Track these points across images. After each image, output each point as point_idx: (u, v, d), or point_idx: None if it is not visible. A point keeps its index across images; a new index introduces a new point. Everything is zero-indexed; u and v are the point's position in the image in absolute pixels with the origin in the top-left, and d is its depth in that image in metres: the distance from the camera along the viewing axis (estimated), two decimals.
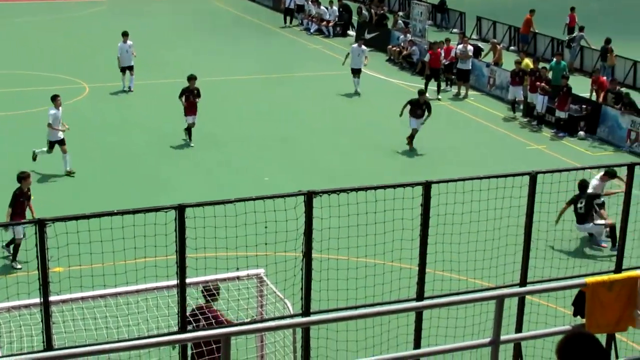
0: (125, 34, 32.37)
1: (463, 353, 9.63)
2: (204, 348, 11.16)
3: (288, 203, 10.84)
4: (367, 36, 42.09)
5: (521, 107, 31.18)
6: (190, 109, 26.29)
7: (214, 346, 10.95)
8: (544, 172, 11.77)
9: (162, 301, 11.77)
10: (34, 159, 23.28)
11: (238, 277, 12.34)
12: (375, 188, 10.96)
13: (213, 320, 11.65)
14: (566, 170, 12.69)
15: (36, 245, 9.61)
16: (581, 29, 38.73)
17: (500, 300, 8.04)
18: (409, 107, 26.62)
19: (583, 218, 19.67)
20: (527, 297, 12.58)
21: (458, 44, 34.70)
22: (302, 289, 10.80)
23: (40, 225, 9.54)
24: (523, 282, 11.86)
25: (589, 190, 20.14)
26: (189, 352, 11.24)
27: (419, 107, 26.50)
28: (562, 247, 19.22)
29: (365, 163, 25.25)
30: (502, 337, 8.08)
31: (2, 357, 11.29)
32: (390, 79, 36.35)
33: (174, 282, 10.34)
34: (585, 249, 19.96)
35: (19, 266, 18.07)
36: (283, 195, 10.59)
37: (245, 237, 11.29)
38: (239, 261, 11.84)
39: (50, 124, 23.33)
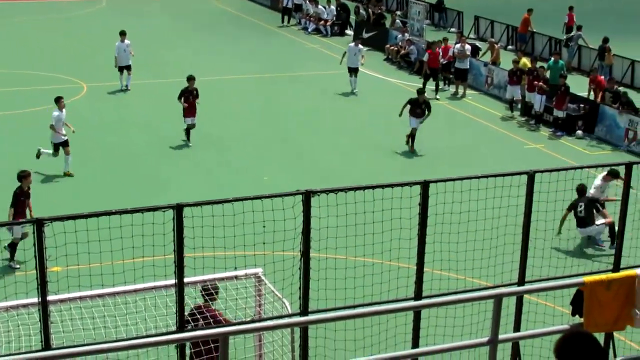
0: (122, 33, 32.35)
1: (461, 352, 9.64)
2: (203, 347, 11.16)
3: (286, 202, 10.85)
4: (365, 35, 42.11)
5: (519, 106, 31.19)
6: (190, 110, 26.25)
7: (213, 345, 10.95)
8: (542, 172, 11.77)
9: (160, 301, 11.77)
10: (38, 156, 23.21)
11: (236, 277, 12.34)
12: (373, 187, 10.97)
13: (211, 320, 11.65)
14: (564, 170, 12.70)
15: (34, 244, 9.61)
16: (579, 28, 38.74)
17: (498, 299, 8.04)
18: (408, 106, 26.60)
19: (584, 221, 19.64)
20: (525, 296, 12.59)
21: (456, 43, 34.71)
22: (300, 288, 10.81)
23: (39, 224, 9.55)
24: (521, 281, 11.87)
25: (591, 190, 20.17)
26: (188, 351, 11.25)
27: (418, 107, 26.47)
28: (560, 246, 19.23)
29: (364, 162, 25.25)
30: (500, 336, 8.09)
31: (1, 356, 11.29)
32: (388, 78, 36.35)
33: (172, 281, 10.34)
34: (583, 248, 19.97)
35: (17, 265, 18.06)
36: (281, 195, 10.60)
37: (244, 237, 11.29)
38: (237, 260, 11.83)
39: (53, 126, 23.27)
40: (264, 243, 11.40)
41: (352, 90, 33.20)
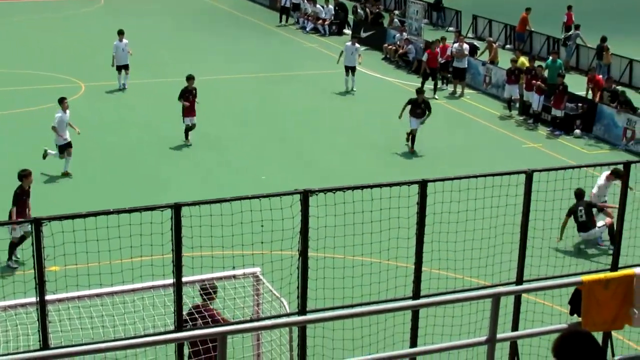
0: (120, 33, 32.34)
1: (459, 351, 9.63)
2: (201, 347, 11.16)
3: (284, 202, 10.85)
4: (363, 35, 42.11)
5: (517, 105, 31.21)
6: (190, 110, 26.21)
7: (211, 345, 10.94)
8: (540, 171, 11.77)
9: (158, 300, 11.77)
10: (44, 157, 23.18)
11: (234, 276, 12.34)
12: (371, 187, 10.97)
13: (210, 319, 11.65)
14: (562, 169, 12.69)
15: (32, 244, 9.61)
16: (577, 27, 38.76)
17: (496, 298, 8.05)
18: (408, 107, 26.52)
19: (585, 226, 19.61)
20: (523, 295, 12.59)
21: (454, 43, 34.70)
22: (298, 287, 10.81)
23: (37, 224, 9.54)
24: (519, 280, 11.87)
25: (594, 189, 20.19)
26: (186, 351, 11.25)
27: (417, 107, 26.40)
28: (558, 246, 19.24)
29: (362, 161, 25.25)
30: (499, 336, 8.09)
31: None
32: (386, 77, 36.35)
33: (170, 281, 10.34)
34: (581, 247, 19.98)
35: (15, 265, 18.05)
36: (279, 194, 10.60)
37: (242, 236, 11.29)
38: (235, 260, 11.83)
39: (55, 127, 23.20)
40: (262, 242, 11.40)
41: (347, 89, 33.22)
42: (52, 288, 10.35)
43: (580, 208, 19.46)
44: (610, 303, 9.34)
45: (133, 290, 11.81)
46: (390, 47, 39.54)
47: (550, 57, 32.76)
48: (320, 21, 45.57)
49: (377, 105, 31.38)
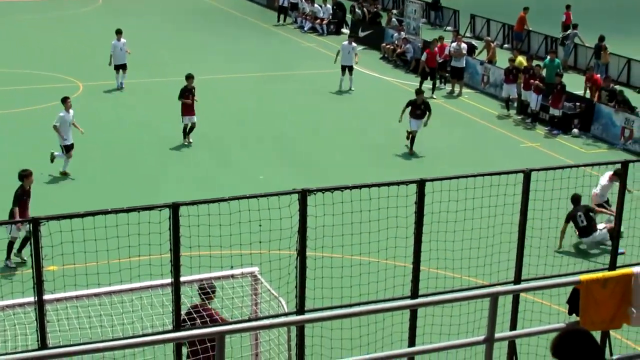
0: (119, 32, 32.31)
1: (457, 351, 9.62)
2: (199, 347, 11.16)
3: (282, 201, 10.84)
4: (361, 34, 42.10)
5: (515, 104, 31.21)
6: (189, 109, 26.18)
7: (209, 344, 10.94)
8: (538, 170, 11.78)
9: (156, 299, 11.76)
10: (52, 160, 23.17)
11: (232, 276, 12.34)
12: (369, 186, 10.97)
13: (208, 319, 11.65)
14: (560, 168, 12.70)
15: (30, 244, 9.60)
16: (574, 26, 38.77)
17: (494, 297, 8.05)
18: (408, 109, 26.43)
19: (587, 230, 19.59)
20: (522, 294, 12.60)
21: (452, 42, 34.70)
22: (296, 287, 10.80)
23: (35, 223, 9.53)
24: (517, 279, 11.87)
25: (597, 189, 20.21)
26: (184, 350, 11.24)
27: (417, 108, 26.31)
28: (557, 245, 19.24)
29: (360, 161, 25.25)
30: (497, 335, 8.09)
31: None
32: (384, 76, 36.36)
33: (169, 280, 10.33)
34: (579, 247, 19.98)
35: (13, 265, 18.03)
36: (277, 194, 10.59)
37: (240, 235, 11.28)
38: (233, 259, 11.83)
39: (56, 126, 23.14)
40: (260, 242, 11.38)
41: (340, 88, 33.19)
42: (50, 288, 10.34)
43: (579, 214, 19.45)
44: (609, 302, 9.34)
45: (131, 290, 11.80)
46: (388, 46, 39.54)
47: (548, 57, 32.77)
48: (318, 20, 45.57)
49: (375, 105, 31.38)
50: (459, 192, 12.11)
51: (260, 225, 11.12)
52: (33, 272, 9.64)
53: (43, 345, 9.83)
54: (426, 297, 11.28)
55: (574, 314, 9.67)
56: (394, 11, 46.01)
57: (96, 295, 11.51)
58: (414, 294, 11.38)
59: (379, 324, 12.00)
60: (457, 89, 33.76)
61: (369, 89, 33.92)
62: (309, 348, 11.41)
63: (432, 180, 11.18)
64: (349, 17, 46.18)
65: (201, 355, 11.17)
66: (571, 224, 19.59)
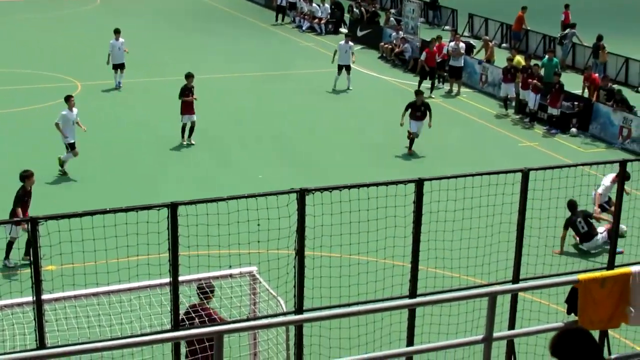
0: (117, 31, 32.31)
1: (456, 350, 9.65)
2: (198, 346, 11.15)
3: (281, 201, 10.84)
4: (359, 33, 42.10)
5: (513, 104, 31.22)
6: (189, 108, 26.17)
7: (207, 344, 10.94)
8: (536, 169, 11.78)
9: (155, 299, 11.76)
10: (62, 165, 23.14)
11: (231, 275, 12.33)
12: (368, 185, 10.97)
13: (206, 319, 11.65)
14: (558, 167, 12.70)
15: (28, 243, 9.59)
16: (573, 26, 38.77)
17: (492, 297, 8.05)
18: (408, 111, 26.31)
19: (588, 235, 19.58)
20: (520, 294, 12.59)
21: (450, 41, 34.72)
22: (294, 286, 10.80)
23: (33, 223, 9.53)
24: (515, 279, 11.87)
25: (600, 190, 20.23)
26: (183, 350, 11.24)
27: (417, 109, 26.23)
28: (555, 244, 19.23)
29: (358, 160, 25.25)
30: (495, 334, 8.10)
31: None
32: (383, 76, 36.36)
33: (167, 280, 10.33)
34: (577, 246, 19.98)
35: (12, 265, 17.99)
36: (275, 193, 10.59)
37: (238, 235, 11.28)
38: (231, 259, 11.83)
39: (58, 124, 23.09)
40: (258, 241, 11.38)
41: (335, 87, 33.18)
42: (48, 287, 10.34)
43: (579, 220, 19.44)
44: (607, 301, 9.35)
45: (129, 290, 11.80)
46: (386, 45, 39.55)
47: (547, 56, 32.79)
48: (317, 20, 45.58)
49: (374, 104, 31.39)
50: (457, 192, 12.11)
51: (258, 225, 11.12)
52: (31, 271, 9.63)
53: (41, 345, 9.82)
54: (424, 297, 11.28)
55: (572, 314, 9.67)
56: (392, 10, 46.00)
57: (94, 295, 11.51)
58: (413, 293, 11.38)
59: (378, 323, 12.00)
60: (455, 89, 33.77)
61: (367, 88, 33.93)
62: (308, 347, 11.42)
63: (430, 179, 11.19)
64: (347, 16, 46.18)
65: (200, 355, 11.17)
66: (570, 230, 19.60)
